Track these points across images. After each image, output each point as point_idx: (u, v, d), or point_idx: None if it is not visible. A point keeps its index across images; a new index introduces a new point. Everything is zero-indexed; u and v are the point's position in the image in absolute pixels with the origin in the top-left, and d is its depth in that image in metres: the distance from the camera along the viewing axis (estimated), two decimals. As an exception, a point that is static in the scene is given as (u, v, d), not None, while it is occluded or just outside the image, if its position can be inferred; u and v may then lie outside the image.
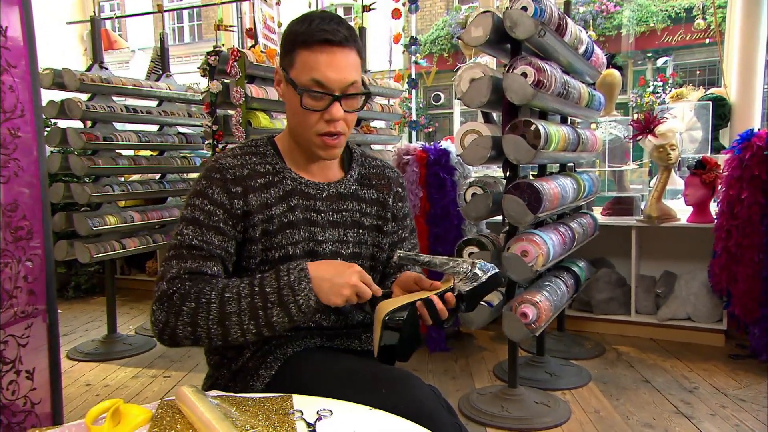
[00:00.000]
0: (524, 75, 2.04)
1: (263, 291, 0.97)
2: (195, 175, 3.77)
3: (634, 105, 10.30)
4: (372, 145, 3.80)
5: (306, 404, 0.91)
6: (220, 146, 2.82)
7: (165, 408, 0.86)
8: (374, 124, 3.79)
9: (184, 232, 1.06)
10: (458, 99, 2.26)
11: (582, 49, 2.57)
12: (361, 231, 1.19)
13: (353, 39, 1.07)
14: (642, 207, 3.29)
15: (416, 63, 3.88)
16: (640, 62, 11.87)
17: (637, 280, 3.26)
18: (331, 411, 0.88)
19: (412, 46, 3.82)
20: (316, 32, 1.04)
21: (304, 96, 1.05)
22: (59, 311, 1.42)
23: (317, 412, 0.88)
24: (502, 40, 2.15)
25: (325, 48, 1.04)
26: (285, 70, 1.09)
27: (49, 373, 1.32)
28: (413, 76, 3.89)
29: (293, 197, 1.13)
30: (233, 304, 0.97)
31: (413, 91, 4.05)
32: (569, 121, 2.86)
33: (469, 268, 1.04)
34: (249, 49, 2.86)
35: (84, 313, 4.00)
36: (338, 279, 0.99)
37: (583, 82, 2.68)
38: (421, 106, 12.09)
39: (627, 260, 3.28)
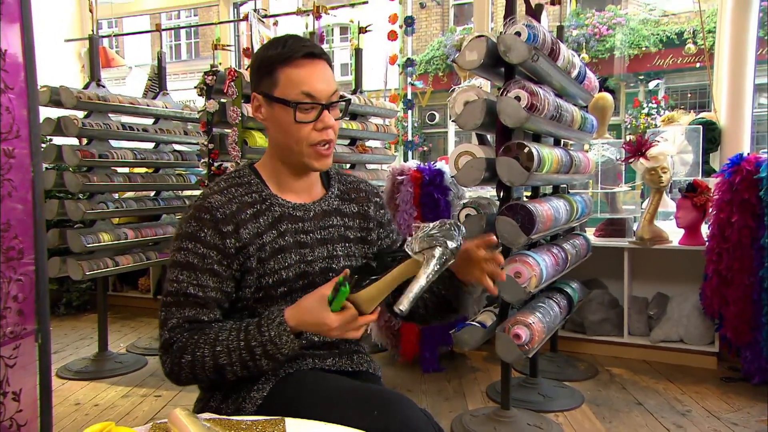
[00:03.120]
0: (518, 98, 2.06)
1: (249, 346, 1.02)
2: (190, 192, 3.77)
3: (628, 126, 10.42)
4: (367, 165, 3.82)
5: (298, 428, 0.91)
6: (216, 165, 2.83)
7: (157, 430, 0.85)
8: (369, 143, 3.81)
9: (179, 278, 1.08)
10: (453, 121, 2.28)
11: (574, 73, 2.60)
12: (347, 244, 1.22)
13: (326, 53, 1.15)
14: (634, 229, 3.31)
15: (412, 84, 3.91)
16: (632, 85, 12.03)
17: (629, 301, 3.26)
18: (322, 435, 0.88)
19: (408, 68, 3.86)
20: (296, 49, 1.10)
21: (297, 110, 1.09)
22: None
23: (309, 437, 0.87)
24: (496, 63, 2.18)
25: (309, 61, 1.11)
26: (265, 93, 1.13)
27: (38, 394, 1.30)
28: (409, 96, 3.92)
29: (282, 223, 1.15)
30: (224, 357, 1.03)
31: (409, 111, 4.09)
32: (562, 143, 2.88)
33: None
34: (246, 69, 2.89)
35: (75, 331, 3.96)
36: (319, 324, 1.00)
37: (575, 105, 2.71)
38: (415, 125, 12.16)
39: (619, 281, 3.29)
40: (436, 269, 0.95)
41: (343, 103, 1.17)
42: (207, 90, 2.81)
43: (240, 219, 1.11)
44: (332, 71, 1.15)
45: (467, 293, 1.19)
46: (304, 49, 1.09)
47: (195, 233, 1.09)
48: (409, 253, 0.97)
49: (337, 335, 1.00)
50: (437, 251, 0.95)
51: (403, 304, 0.94)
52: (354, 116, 3.53)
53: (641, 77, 11.89)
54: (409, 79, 3.93)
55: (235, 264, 1.10)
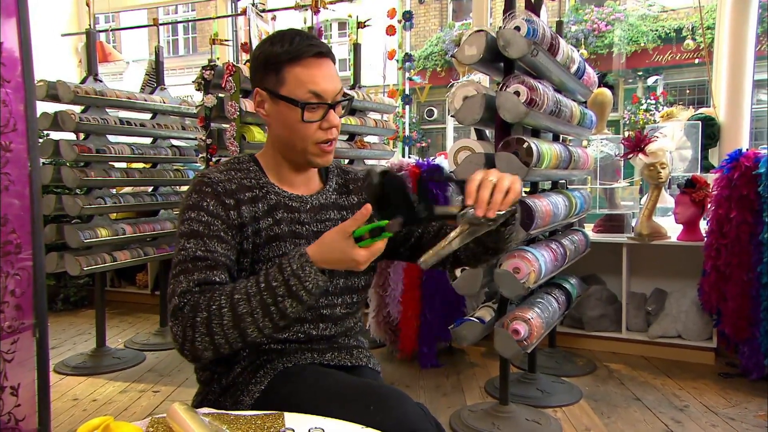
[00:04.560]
0: (517, 93, 2.06)
1: (270, 286, 0.97)
2: (187, 188, 3.76)
3: (627, 122, 10.42)
4: (365, 160, 3.82)
5: (298, 422, 0.91)
6: (214, 160, 2.82)
7: (156, 425, 0.85)
8: (368, 139, 3.80)
9: (186, 246, 1.05)
10: (452, 116, 2.28)
11: (574, 68, 2.60)
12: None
13: (332, 51, 1.14)
14: (633, 224, 3.31)
15: (410, 79, 3.90)
16: (630, 81, 12.03)
17: (628, 297, 3.27)
18: (322, 429, 0.88)
19: (407, 63, 3.85)
20: (305, 48, 1.09)
21: (306, 109, 1.09)
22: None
23: (309, 430, 0.87)
24: (495, 58, 2.17)
25: (317, 61, 1.10)
26: (270, 90, 1.12)
27: (36, 389, 1.30)
28: (407, 92, 3.91)
29: (278, 211, 1.15)
30: (244, 305, 0.97)
31: (407, 107, 4.08)
32: (561, 138, 2.88)
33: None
34: (244, 64, 2.88)
35: (72, 326, 3.96)
36: (346, 260, 0.97)
37: (574, 101, 2.70)
38: (414, 120, 12.15)
39: (618, 277, 3.29)
40: (467, 240, 1.00)
41: (347, 101, 1.18)
42: (205, 85, 2.80)
43: (239, 197, 1.11)
44: (336, 68, 1.16)
45: (503, 231, 1.12)
46: (314, 49, 1.09)
47: (197, 203, 1.08)
48: (456, 214, 0.97)
49: (362, 268, 0.98)
50: (477, 230, 0.98)
51: (427, 262, 0.98)
52: (352, 111, 3.52)
53: (640, 73, 11.89)
54: (407, 75, 3.92)
55: (237, 236, 1.09)
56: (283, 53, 1.09)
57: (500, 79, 2.22)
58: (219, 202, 1.08)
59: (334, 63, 1.15)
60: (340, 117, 1.16)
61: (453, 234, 0.98)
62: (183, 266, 1.04)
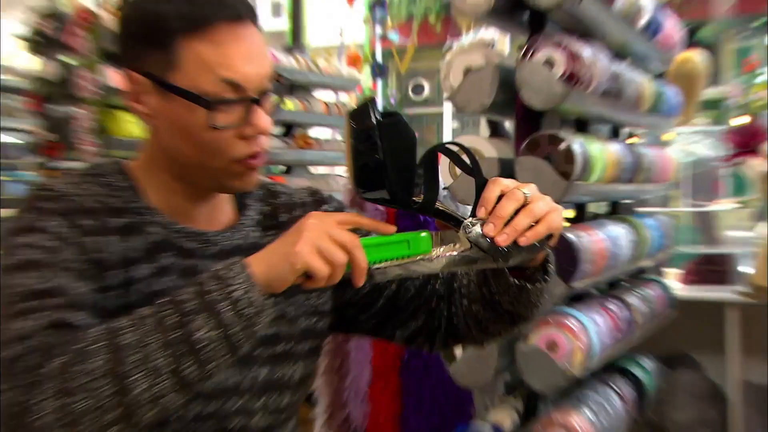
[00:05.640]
0: (550, 64, 2.12)
1: (177, 301, 0.93)
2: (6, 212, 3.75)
3: (735, 104, 10.63)
4: (312, 167, 3.84)
5: None
6: (62, 167, 2.83)
7: None
8: (314, 133, 3.84)
9: (23, 281, 0.98)
10: (448, 99, 2.33)
11: (643, 21, 2.68)
12: (277, 297, 1.08)
13: (252, 7, 1.12)
14: (745, 271, 3.37)
15: (384, 37, 3.98)
16: (742, 36, 12.30)
17: (742, 390, 3.32)
18: None
19: (377, 10, 3.92)
20: (207, 8, 1.06)
21: (219, 110, 1.06)
22: None
23: None
24: (517, 7, 2.25)
25: (233, 29, 1.07)
26: (154, 75, 1.08)
27: None
28: (379, 57, 3.97)
29: (165, 253, 1.12)
30: (130, 334, 0.90)
31: (379, 80, 4.14)
32: (622, 134, 2.96)
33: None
34: (108, 8, 2.89)
35: None
36: (282, 249, 0.97)
37: (645, 72, 2.78)
38: (393, 102, 12.23)
39: (723, 358, 3.34)
40: (457, 268, 1.07)
41: (280, 89, 1.18)
42: (42, 44, 2.82)
43: (102, 224, 1.07)
44: (262, 36, 1.13)
45: (529, 289, 1.17)
46: (224, 10, 1.06)
47: (33, 224, 1.04)
48: (461, 220, 1.02)
49: (298, 256, 0.93)
50: (475, 259, 1.01)
51: (386, 273, 0.99)
52: (290, 89, 3.54)
53: (756, 24, 12.18)
54: (378, 30, 3.99)
55: (94, 272, 1.04)
56: (176, 16, 1.05)
57: (524, 39, 2.29)
58: (67, 219, 1.04)
59: (258, 27, 1.12)
60: (271, 115, 1.13)
61: (443, 249, 1.01)
62: (21, 306, 0.95)
